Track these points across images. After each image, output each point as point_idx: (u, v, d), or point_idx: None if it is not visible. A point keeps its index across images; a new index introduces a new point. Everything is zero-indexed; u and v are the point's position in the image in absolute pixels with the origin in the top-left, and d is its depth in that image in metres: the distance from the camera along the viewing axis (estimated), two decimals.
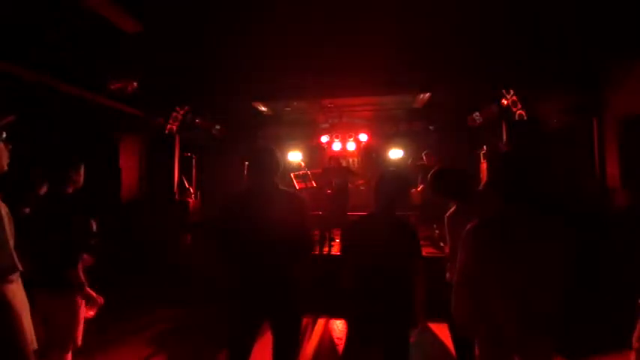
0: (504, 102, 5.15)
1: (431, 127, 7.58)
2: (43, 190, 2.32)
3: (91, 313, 2.28)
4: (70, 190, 2.27)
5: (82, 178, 2.34)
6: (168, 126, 5.63)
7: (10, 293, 1.06)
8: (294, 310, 2.08)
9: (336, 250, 5.23)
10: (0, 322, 1.04)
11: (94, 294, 2.27)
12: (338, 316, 3.79)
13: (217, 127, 6.93)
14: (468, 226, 1.54)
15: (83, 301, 2.23)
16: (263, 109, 6.82)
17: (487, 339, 1.52)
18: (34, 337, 1.18)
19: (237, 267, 2.08)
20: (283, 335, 2.06)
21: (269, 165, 2.10)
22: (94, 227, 2.40)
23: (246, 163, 2.12)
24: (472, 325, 1.55)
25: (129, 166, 5.27)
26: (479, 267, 1.49)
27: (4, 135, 1.24)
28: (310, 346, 3.34)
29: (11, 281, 1.09)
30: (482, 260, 1.48)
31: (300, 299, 2.09)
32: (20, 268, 1.11)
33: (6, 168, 1.25)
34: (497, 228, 1.51)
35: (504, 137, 5.46)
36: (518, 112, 4.95)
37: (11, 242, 1.11)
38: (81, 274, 2.22)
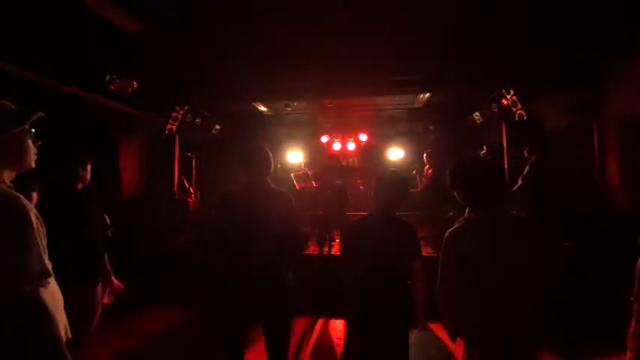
0: (504, 102, 5.16)
1: (431, 127, 7.58)
2: (35, 200, 2.36)
3: (108, 300, 2.38)
4: (80, 187, 2.34)
5: (89, 175, 2.41)
6: (168, 126, 5.63)
7: (44, 296, 1.07)
8: (285, 308, 2.09)
9: (336, 250, 5.23)
10: (34, 329, 1.05)
11: (117, 282, 2.39)
12: (338, 316, 3.80)
13: (217, 127, 6.92)
14: (447, 233, 1.59)
15: (99, 293, 2.31)
16: (263, 109, 6.81)
17: (475, 341, 1.54)
18: (68, 328, 1.19)
19: (231, 265, 2.09)
20: (274, 334, 2.08)
21: (261, 164, 2.13)
22: (108, 221, 2.50)
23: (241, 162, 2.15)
24: (460, 327, 1.58)
25: (129, 166, 5.28)
26: (456, 272, 1.53)
27: (33, 131, 1.23)
28: (310, 346, 3.34)
29: (47, 284, 1.09)
30: (458, 265, 1.52)
31: (291, 297, 2.10)
32: (51, 273, 1.12)
33: (33, 165, 1.24)
34: (466, 233, 1.55)
35: (504, 137, 5.47)
36: (518, 112, 4.95)
37: (42, 246, 1.10)
38: (107, 264, 2.30)
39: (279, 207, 2.06)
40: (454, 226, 1.58)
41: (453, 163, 1.71)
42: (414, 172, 6.53)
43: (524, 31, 3.56)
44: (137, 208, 5.16)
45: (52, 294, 1.12)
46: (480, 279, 1.49)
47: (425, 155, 5.96)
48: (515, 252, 1.48)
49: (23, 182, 1.25)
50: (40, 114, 1.23)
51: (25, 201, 1.10)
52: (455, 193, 1.68)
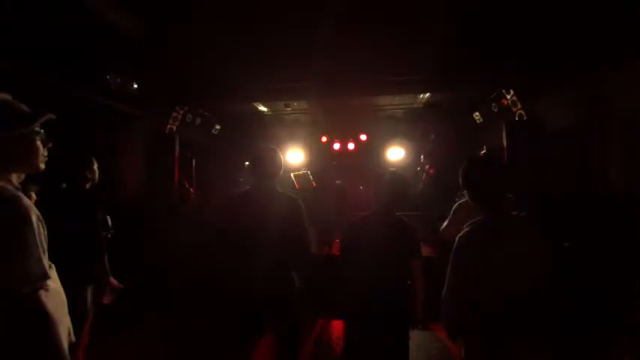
0: (504, 102, 5.15)
1: (431, 128, 7.58)
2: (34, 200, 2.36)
3: (108, 299, 2.38)
4: (88, 187, 2.35)
5: (96, 175, 2.42)
6: (169, 126, 5.62)
7: (44, 298, 1.06)
8: (294, 310, 2.09)
9: (336, 250, 5.23)
10: (34, 331, 1.04)
11: (115, 282, 2.39)
12: (338, 317, 3.79)
13: (217, 127, 6.92)
14: (457, 238, 1.61)
15: (95, 294, 2.31)
16: (263, 109, 6.81)
17: (476, 340, 1.55)
18: (71, 330, 1.18)
19: (237, 267, 2.09)
20: (284, 335, 2.07)
21: (271, 166, 2.11)
22: (110, 222, 2.50)
23: (247, 163, 2.14)
24: (461, 328, 1.59)
25: (128, 167, 5.27)
26: (463, 275, 1.54)
27: (43, 132, 1.21)
28: (310, 346, 3.34)
29: (46, 286, 1.08)
30: (466, 267, 1.54)
31: (299, 299, 2.10)
32: (49, 275, 1.10)
33: (42, 167, 1.22)
34: (477, 233, 1.57)
35: (504, 137, 5.46)
36: (519, 112, 4.95)
37: (42, 248, 1.09)
38: (106, 265, 2.30)
39: (284, 211, 2.04)
40: (464, 230, 1.59)
41: (464, 163, 1.71)
42: (418, 168, 6.50)
43: (524, 31, 3.56)
44: (136, 208, 5.15)
45: (54, 296, 1.10)
46: (484, 280, 1.49)
47: (424, 155, 5.97)
48: (518, 252, 1.49)
49: (24, 183, 1.24)
50: (50, 115, 1.21)
51: (27, 201, 1.09)
52: (465, 192, 1.69)
